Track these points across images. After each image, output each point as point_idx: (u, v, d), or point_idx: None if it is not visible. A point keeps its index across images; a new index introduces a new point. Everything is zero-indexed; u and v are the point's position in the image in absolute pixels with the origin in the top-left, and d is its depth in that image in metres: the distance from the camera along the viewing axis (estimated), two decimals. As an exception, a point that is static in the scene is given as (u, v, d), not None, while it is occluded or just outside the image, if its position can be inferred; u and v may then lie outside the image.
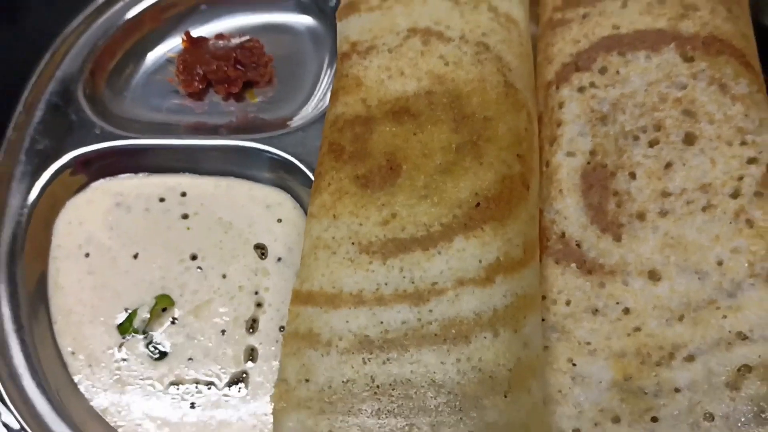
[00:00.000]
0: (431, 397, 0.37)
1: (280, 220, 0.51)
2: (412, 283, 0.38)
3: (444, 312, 0.38)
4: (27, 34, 0.63)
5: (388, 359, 0.37)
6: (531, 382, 0.37)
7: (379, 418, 0.36)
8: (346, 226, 0.41)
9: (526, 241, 0.41)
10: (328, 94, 0.49)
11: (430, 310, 0.38)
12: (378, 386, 0.37)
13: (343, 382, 0.37)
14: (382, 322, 0.38)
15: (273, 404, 0.38)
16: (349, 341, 0.38)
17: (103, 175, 0.52)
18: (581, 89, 0.46)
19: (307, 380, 0.38)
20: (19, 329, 0.46)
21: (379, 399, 0.37)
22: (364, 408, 0.37)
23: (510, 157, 0.42)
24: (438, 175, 0.41)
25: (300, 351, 0.39)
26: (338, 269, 0.40)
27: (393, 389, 0.37)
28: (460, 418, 0.36)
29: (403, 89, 0.45)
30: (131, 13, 0.57)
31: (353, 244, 0.40)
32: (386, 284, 0.39)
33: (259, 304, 0.48)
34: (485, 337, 0.37)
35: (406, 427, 0.36)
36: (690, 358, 0.39)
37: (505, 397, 0.36)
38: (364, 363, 0.37)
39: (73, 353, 0.47)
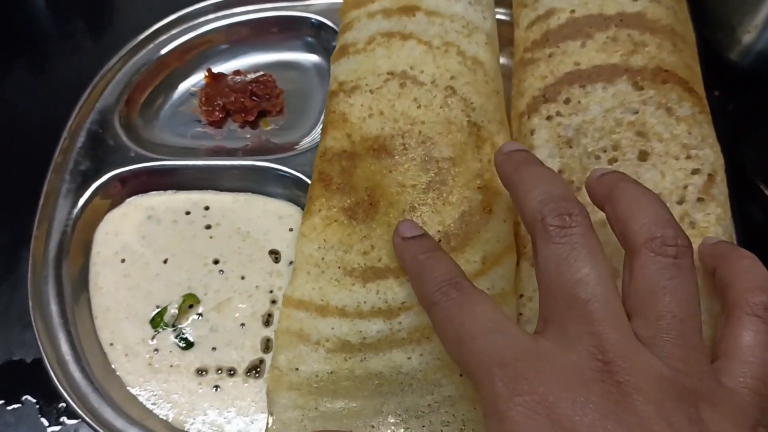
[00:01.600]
0: (399, 383, 0.44)
1: (291, 229, 0.57)
2: (386, 302, 0.47)
3: (411, 322, 0.46)
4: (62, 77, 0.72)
5: (365, 358, 0.45)
6: None
7: (357, 401, 0.44)
8: (334, 252, 0.48)
9: (486, 256, 0.47)
10: (331, 123, 0.56)
11: (400, 322, 0.46)
12: (356, 377, 0.45)
13: (328, 373, 0.45)
14: (360, 331, 0.46)
15: (267, 386, 0.45)
16: (334, 343, 0.46)
17: (137, 192, 0.58)
18: (549, 118, 0.52)
19: (297, 369, 0.45)
20: (65, 323, 0.51)
21: (358, 386, 0.45)
22: (344, 393, 0.44)
23: (471, 193, 0.49)
24: (409, 212, 0.49)
25: (291, 344, 0.46)
26: (326, 286, 0.48)
27: (368, 380, 0.45)
28: (422, 395, 0.44)
29: (381, 128, 0.51)
30: (160, 53, 0.64)
31: (339, 267, 0.48)
32: (365, 302, 0.47)
33: (273, 301, 0.54)
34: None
35: (377, 404, 0.44)
36: None
37: (461, 375, 0.44)
38: (345, 360, 0.45)
39: (111, 344, 0.52)
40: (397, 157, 0.50)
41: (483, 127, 0.52)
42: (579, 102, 0.52)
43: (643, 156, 0.49)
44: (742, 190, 0.54)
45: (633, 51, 0.52)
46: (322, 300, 0.47)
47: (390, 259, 0.47)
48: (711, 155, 0.48)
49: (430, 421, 0.43)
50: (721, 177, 0.47)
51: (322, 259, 0.48)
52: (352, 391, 0.45)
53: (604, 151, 0.50)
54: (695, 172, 0.47)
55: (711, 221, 0.45)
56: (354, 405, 0.44)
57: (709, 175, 0.47)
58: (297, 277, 0.48)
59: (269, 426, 0.44)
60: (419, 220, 0.48)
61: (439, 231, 0.48)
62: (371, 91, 0.53)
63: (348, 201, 0.49)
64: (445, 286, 0.38)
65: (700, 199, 0.46)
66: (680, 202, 0.47)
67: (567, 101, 0.52)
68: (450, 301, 0.38)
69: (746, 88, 0.66)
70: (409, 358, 0.45)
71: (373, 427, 0.44)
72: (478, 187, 0.49)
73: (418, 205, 0.49)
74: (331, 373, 0.45)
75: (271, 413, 0.44)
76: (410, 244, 0.44)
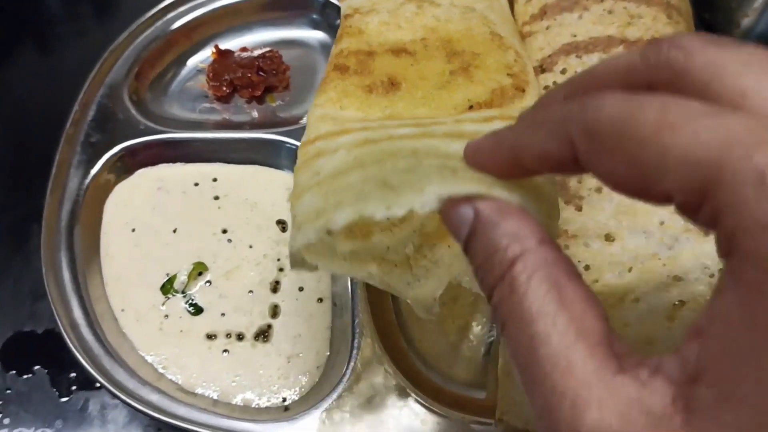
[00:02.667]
0: (440, 159, 0.32)
1: (297, 200, 0.59)
2: (414, 121, 0.40)
3: (445, 128, 0.37)
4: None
5: (392, 142, 0.35)
6: None
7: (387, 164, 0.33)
8: (352, 117, 0.42)
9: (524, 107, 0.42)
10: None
11: (433, 129, 0.37)
12: (383, 150, 0.34)
13: (351, 160, 0.34)
14: (388, 132, 0.37)
15: (290, 203, 0.35)
16: (356, 142, 0.36)
17: (146, 164, 0.60)
18: (545, 88, 0.53)
19: (317, 173, 0.35)
20: (77, 289, 0.53)
21: (389, 155, 0.33)
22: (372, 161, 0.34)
23: (499, 77, 0.46)
24: (434, 90, 0.44)
25: (310, 164, 0.37)
26: (346, 122, 0.40)
27: (400, 151, 0.34)
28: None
29: (400, 37, 0.49)
30: (169, 29, 0.65)
31: (358, 121, 0.41)
32: (390, 120, 0.41)
33: (281, 269, 0.55)
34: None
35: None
36: (636, 300, 0.46)
37: None
38: (370, 146, 0.35)
39: (123, 310, 0.54)
40: (418, 55, 0.47)
41: (505, 37, 0.50)
42: (575, 72, 0.53)
43: (639, 125, 0.51)
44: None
45: (629, 23, 0.54)
46: (339, 128, 0.39)
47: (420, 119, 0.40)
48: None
49: None
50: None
51: (338, 117, 0.42)
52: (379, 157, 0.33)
53: (602, 121, 0.52)
54: (690, 139, 0.49)
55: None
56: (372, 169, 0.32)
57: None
58: (310, 127, 0.41)
59: (296, 219, 0.33)
60: (448, 94, 0.44)
61: (470, 100, 0.44)
62: (388, 12, 0.51)
63: (366, 81, 0.45)
64: None
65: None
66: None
67: (563, 71, 0.54)
68: None
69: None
70: (448, 146, 0.34)
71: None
72: (508, 74, 0.46)
73: (445, 84, 0.45)
74: (354, 159, 0.34)
75: (294, 216, 0.34)
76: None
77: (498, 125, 0.31)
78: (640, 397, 0.18)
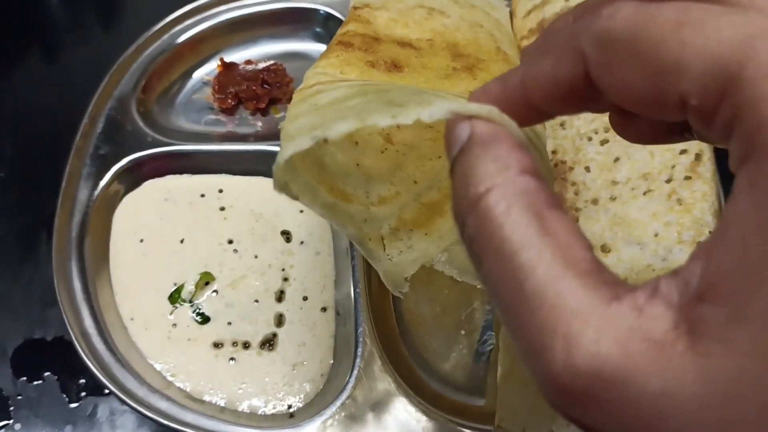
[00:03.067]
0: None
1: (302, 211, 0.59)
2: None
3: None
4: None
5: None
6: None
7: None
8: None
9: None
10: (340, 108, 0.59)
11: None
12: (383, 89, 0.33)
13: (353, 92, 0.32)
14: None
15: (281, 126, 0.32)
16: (359, 84, 0.36)
17: (154, 176, 0.61)
18: None
19: (315, 105, 0.33)
20: (88, 298, 0.54)
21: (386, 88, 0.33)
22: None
23: None
24: (436, 79, 0.44)
25: (308, 99, 0.35)
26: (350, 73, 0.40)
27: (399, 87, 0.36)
28: None
29: (407, 34, 0.48)
30: (175, 44, 0.67)
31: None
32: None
33: (285, 279, 0.56)
34: None
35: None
36: None
37: None
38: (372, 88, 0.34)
39: (132, 319, 0.55)
40: (423, 50, 0.47)
41: (511, 56, 0.50)
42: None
43: (634, 138, 0.52)
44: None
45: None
46: (341, 73, 0.39)
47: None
48: (699, 136, 0.51)
49: None
50: (708, 156, 0.50)
51: (339, 77, 0.40)
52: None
53: (596, 133, 0.53)
54: (683, 152, 0.51)
55: (697, 198, 0.49)
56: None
57: (696, 154, 0.50)
58: (308, 79, 0.40)
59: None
60: (450, 84, 0.44)
61: (470, 91, 0.42)
62: (399, 11, 0.51)
63: (370, 58, 0.44)
64: None
65: (687, 178, 0.50)
66: (668, 181, 0.50)
67: (562, 87, 0.55)
68: None
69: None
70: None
71: None
72: None
73: (447, 76, 0.45)
74: (358, 89, 0.33)
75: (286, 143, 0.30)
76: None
77: None
78: (639, 325, 0.17)
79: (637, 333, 0.17)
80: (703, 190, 0.49)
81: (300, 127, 0.29)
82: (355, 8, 0.51)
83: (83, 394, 0.56)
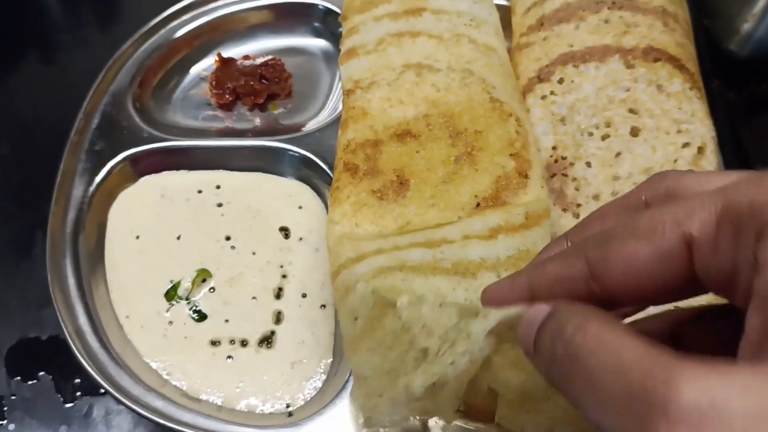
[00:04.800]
0: (439, 307, 0.37)
1: (301, 207, 0.59)
2: (425, 238, 0.44)
3: (454, 254, 0.43)
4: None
5: (405, 279, 0.41)
6: None
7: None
8: (368, 233, 0.46)
9: (528, 213, 0.45)
10: (339, 104, 0.58)
11: (442, 252, 0.43)
12: (396, 287, 0.40)
13: (370, 294, 0.37)
14: (400, 258, 0.43)
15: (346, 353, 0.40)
16: (372, 274, 0.42)
17: (150, 172, 0.60)
18: (543, 97, 0.54)
19: (355, 319, 0.38)
20: (82, 296, 0.53)
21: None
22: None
23: (503, 159, 0.48)
24: (441, 185, 0.48)
25: (344, 302, 0.42)
26: (361, 243, 0.45)
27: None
28: (457, 324, 0.39)
29: (403, 115, 0.52)
30: (172, 39, 0.66)
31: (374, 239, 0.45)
32: (402, 240, 0.44)
33: (284, 276, 0.55)
34: (489, 277, 0.42)
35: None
36: None
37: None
38: (385, 278, 0.41)
39: (127, 317, 0.54)
40: (422, 138, 0.50)
41: (505, 102, 0.52)
42: (572, 81, 0.54)
43: (634, 132, 0.52)
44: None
45: (625, 32, 0.54)
46: (356, 253, 0.44)
47: (429, 231, 0.44)
48: (701, 128, 0.50)
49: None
50: (711, 149, 0.49)
51: (355, 230, 0.46)
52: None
53: (597, 128, 0.53)
54: (685, 145, 0.50)
55: (699, 192, 0.48)
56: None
57: (699, 147, 0.49)
58: (332, 253, 0.45)
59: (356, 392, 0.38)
60: (455, 190, 0.47)
61: (476, 196, 0.47)
62: (388, 84, 0.54)
63: (377, 184, 0.48)
64: None
65: (690, 171, 0.49)
66: (670, 175, 0.49)
67: (561, 81, 0.55)
68: None
69: (746, 76, 0.67)
70: (454, 289, 0.42)
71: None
72: (511, 155, 0.49)
73: (451, 176, 0.48)
74: (373, 292, 0.38)
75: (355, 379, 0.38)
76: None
77: (502, 242, 0.41)
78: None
79: None
80: (706, 184, 0.48)
81: (372, 371, 0.35)
82: (347, 94, 0.54)
83: (78, 393, 0.55)
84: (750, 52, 0.66)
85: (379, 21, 0.58)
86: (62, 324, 0.51)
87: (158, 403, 0.48)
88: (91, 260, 0.56)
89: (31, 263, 0.60)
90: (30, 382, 0.55)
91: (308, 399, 0.50)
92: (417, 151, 0.49)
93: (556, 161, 0.53)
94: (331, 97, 0.64)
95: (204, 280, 0.56)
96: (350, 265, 0.43)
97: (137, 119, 0.61)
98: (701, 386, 0.19)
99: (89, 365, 0.50)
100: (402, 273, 0.41)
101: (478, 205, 0.46)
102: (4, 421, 0.53)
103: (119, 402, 0.48)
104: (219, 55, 0.65)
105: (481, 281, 0.42)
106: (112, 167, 0.59)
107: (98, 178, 0.58)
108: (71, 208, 0.57)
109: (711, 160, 0.49)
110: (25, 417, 0.53)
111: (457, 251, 0.43)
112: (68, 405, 0.54)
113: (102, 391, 0.51)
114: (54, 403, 0.54)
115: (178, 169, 0.61)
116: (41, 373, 0.55)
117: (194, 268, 0.56)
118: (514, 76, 0.56)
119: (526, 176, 0.48)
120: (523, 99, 0.56)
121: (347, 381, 0.48)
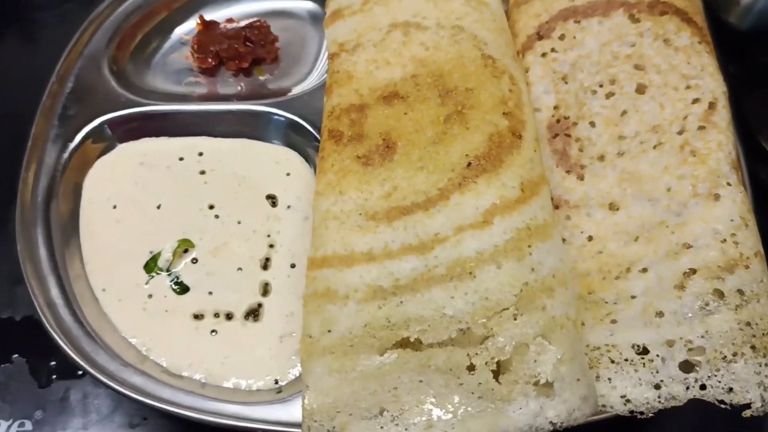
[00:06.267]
0: (444, 327, 0.39)
1: (288, 174, 0.56)
2: (417, 236, 0.42)
3: (448, 255, 0.41)
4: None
5: (401, 302, 0.40)
6: (544, 300, 0.40)
7: (397, 352, 0.39)
8: (353, 201, 0.44)
9: (524, 182, 0.43)
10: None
11: (435, 256, 0.41)
12: (394, 324, 0.39)
13: (362, 326, 0.40)
14: (392, 273, 0.41)
15: (300, 356, 0.40)
16: (364, 292, 0.41)
17: (128, 138, 0.57)
18: (543, 54, 0.51)
19: (329, 331, 0.40)
20: (55, 267, 0.50)
21: (396, 335, 0.39)
22: (383, 345, 0.39)
23: (495, 117, 0.46)
24: (430, 146, 0.45)
25: (320, 308, 0.41)
26: (348, 235, 0.43)
27: (408, 326, 0.39)
28: (473, 344, 0.39)
29: (390, 76, 0.49)
30: (151, 0, 0.63)
31: (360, 214, 0.44)
32: (393, 241, 0.42)
33: (271, 245, 0.53)
34: (489, 270, 0.40)
35: (424, 358, 0.39)
36: (644, 270, 0.44)
37: (515, 319, 0.39)
38: (380, 308, 0.40)
39: (104, 290, 0.51)
40: (410, 99, 0.47)
41: (498, 59, 0.49)
42: (574, 37, 0.51)
43: (641, 89, 0.49)
44: (748, 151, 0.54)
45: (629, -14, 0.52)
46: (345, 250, 0.42)
47: (416, 195, 0.43)
48: (711, 83, 0.48)
49: (486, 379, 0.38)
50: (722, 104, 0.47)
51: (341, 210, 0.44)
52: (392, 340, 0.39)
53: (601, 86, 0.50)
54: (695, 101, 0.47)
55: (712, 148, 0.45)
56: (395, 356, 0.38)
57: (710, 103, 0.47)
58: (316, 236, 0.44)
59: (305, 402, 0.39)
60: (445, 150, 0.44)
61: (467, 155, 0.44)
62: (374, 45, 0.51)
63: (362, 149, 0.46)
64: None
65: (701, 128, 0.46)
66: (680, 132, 0.47)
67: (562, 37, 0.52)
68: None
69: (746, 49, 0.67)
70: (453, 297, 0.40)
71: (421, 381, 0.38)
72: (504, 113, 0.46)
73: (440, 136, 0.45)
74: (366, 325, 0.39)
75: (306, 386, 0.39)
76: None
77: (498, 226, 0.40)
78: None
79: None
80: (718, 140, 0.46)
81: (322, 400, 0.40)
82: (332, 57, 0.51)
83: (54, 377, 0.52)
84: (750, 25, 0.64)
85: None
86: (33, 297, 0.48)
87: (136, 380, 0.45)
88: (65, 230, 0.53)
89: (4, 240, 0.56)
90: (3, 365, 0.52)
91: (298, 374, 0.47)
92: (405, 113, 0.47)
93: (558, 121, 0.50)
94: (319, 60, 0.61)
95: (186, 251, 0.53)
96: (338, 266, 0.42)
97: (114, 83, 0.58)
98: None
99: (62, 341, 0.47)
100: (396, 297, 0.40)
101: (469, 164, 0.44)
102: (-26, 406, 0.50)
103: (95, 378, 0.45)
104: (201, 17, 0.62)
105: (480, 279, 0.40)
106: (88, 133, 0.56)
107: (72, 145, 0.55)
108: (43, 175, 0.54)
109: (723, 115, 0.46)
110: (-3, 401, 0.50)
111: (451, 251, 0.41)
112: (44, 389, 0.51)
113: (80, 373, 0.48)
114: (29, 387, 0.51)
115: (158, 135, 0.58)
116: (15, 356, 0.53)
117: (175, 238, 0.53)
118: (509, 32, 0.54)
119: (520, 137, 0.46)
120: (518, 56, 0.53)
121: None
